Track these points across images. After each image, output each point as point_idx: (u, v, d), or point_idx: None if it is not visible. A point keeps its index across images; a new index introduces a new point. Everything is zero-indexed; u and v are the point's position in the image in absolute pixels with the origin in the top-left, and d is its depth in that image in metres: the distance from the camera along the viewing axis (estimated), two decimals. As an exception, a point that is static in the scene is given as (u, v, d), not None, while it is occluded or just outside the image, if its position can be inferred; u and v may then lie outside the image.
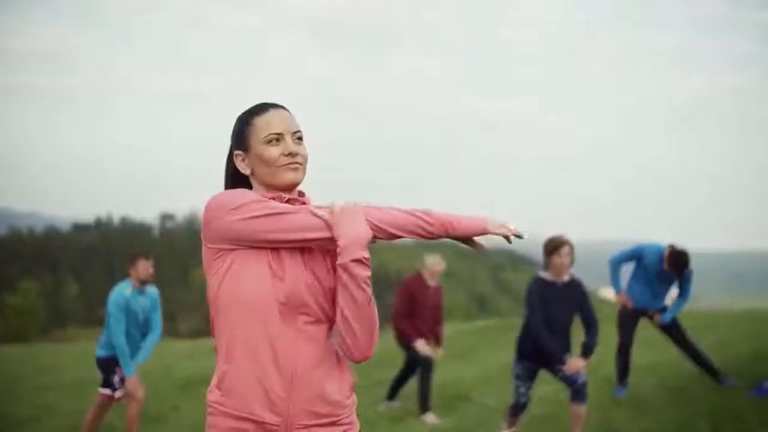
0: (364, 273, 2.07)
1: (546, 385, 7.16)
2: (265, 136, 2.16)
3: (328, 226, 2.09)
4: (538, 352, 5.47)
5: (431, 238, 2.18)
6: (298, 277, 2.11)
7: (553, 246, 5.43)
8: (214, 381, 2.16)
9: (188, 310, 58.55)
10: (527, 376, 5.64)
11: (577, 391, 5.41)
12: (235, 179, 2.27)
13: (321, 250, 2.18)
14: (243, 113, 2.24)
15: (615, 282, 7.19)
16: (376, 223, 2.12)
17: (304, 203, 2.21)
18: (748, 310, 13.68)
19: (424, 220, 2.16)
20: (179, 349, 17.19)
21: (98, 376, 6.36)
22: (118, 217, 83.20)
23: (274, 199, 2.16)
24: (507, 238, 2.21)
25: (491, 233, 2.21)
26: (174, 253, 69.65)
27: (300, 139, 2.20)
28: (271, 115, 2.19)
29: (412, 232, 2.15)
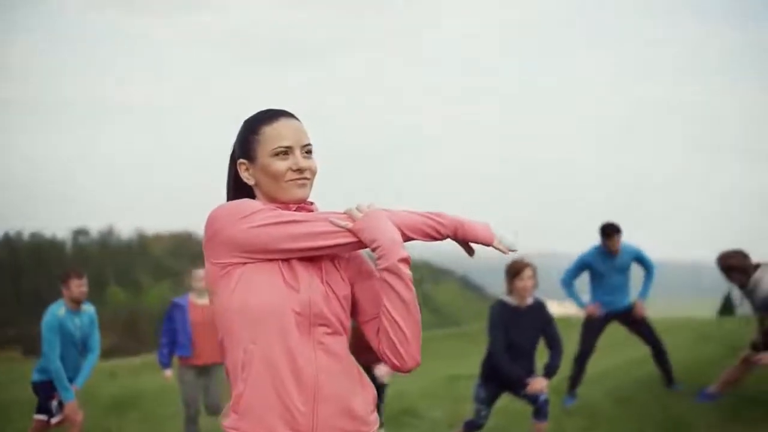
0: (410, 272, 1.97)
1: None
2: (273, 149, 2.04)
3: (350, 233, 1.98)
4: (501, 376, 5.40)
5: (439, 240, 2.11)
6: (313, 286, 1.99)
7: (515, 270, 5.34)
8: (229, 404, 2.00)
9: (104, 329, 56.84)
10: (490, 400, 5.59)
11: (539, 408, 5.36)
12: (237, 188, 2.14)
13: (332, 259, 2.07)
14: (250, 119, 2.11)
15: (575, 299, 7.24)
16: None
17: (311, 212, 2.09)
18: (685, 318, 14.05)
19: (436, 222, 2.07)
20: (100, 368, 16.54)
21: (34, 400, 6.03)
22: (27, 232, 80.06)
23: (280, 209, 2.04)
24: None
25: (494, 247, 2.12)
26: (88, 270, 67.42)
27: (309, 152, 2.08)
28: (281, 126, 2.06)
29: (425, 234, 2.07)
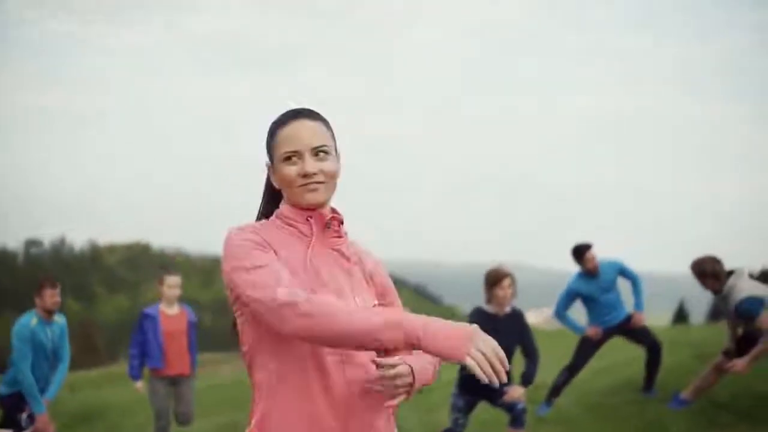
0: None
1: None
2: (283, 153, 1.97)
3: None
4: (478, 385, 5.41)
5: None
6: (343, 300, 1.93)
7: (495, 278, 5.38)
8: (253, 423, 1.92)
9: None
10: (467, 409, 5.60)
11: (516, 417, 5.39)
12: (271, 191, 2.10)
13: (362, 271, 2.04)
14: (273, 121, 2.05)
15: (574, 326, 7.27)
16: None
17: (340, 222, 2.03)
18: (654, 327, 14.25)
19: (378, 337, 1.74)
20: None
21: None
22: (-23, 244, 78.20)
23: (295, 221, 1.99)
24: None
25: (468, 366, 1.70)
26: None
27: (323, 152, 1.97)
28: (291, 129, 1.98)
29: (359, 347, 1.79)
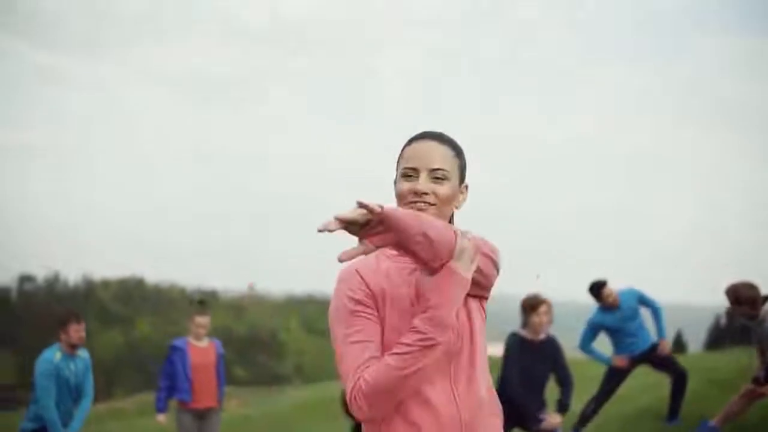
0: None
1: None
2: (402, 169, 2.00)
3: None
4: (512, 412, 5.39)
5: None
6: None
7: (531, 305, 5.45)
8: None
9: (52, 378, 55.11)
10: None
11: None
12: None
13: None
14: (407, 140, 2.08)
15: (600, 357, 7.32)
16: None
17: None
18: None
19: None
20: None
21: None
22: (-31, 280, 77.53)
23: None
24: None
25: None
26: (34, 318, 65.76)
27: (441, 177, 1.97)
28: (414, 148, 2.00)
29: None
